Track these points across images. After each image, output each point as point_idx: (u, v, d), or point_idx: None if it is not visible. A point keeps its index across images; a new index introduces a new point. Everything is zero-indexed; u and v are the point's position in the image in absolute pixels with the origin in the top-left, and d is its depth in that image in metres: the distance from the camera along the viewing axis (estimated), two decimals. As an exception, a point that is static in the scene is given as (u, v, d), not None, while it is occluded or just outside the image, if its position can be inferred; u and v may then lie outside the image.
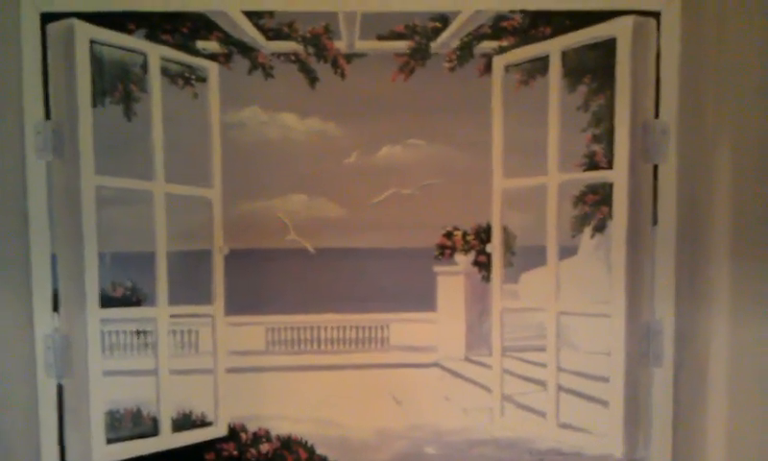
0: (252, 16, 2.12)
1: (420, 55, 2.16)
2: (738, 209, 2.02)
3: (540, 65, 2.14)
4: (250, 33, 2.14)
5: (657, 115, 2.08)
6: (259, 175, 2.16)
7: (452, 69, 2.16)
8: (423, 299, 2.19)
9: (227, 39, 2.15)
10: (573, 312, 2.15)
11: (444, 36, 2.16)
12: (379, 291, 2.17)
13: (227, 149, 2.16)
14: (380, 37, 2.16)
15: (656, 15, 2.07)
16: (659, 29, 2.07)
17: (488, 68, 2.17)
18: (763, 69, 1.98)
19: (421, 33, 2.16)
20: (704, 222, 2.08)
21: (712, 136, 2.05)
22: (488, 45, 2.17)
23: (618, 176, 2.07)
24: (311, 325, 2.26)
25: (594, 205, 2.13)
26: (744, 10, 2.00)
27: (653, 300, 2.11)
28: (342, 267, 2.16)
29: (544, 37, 2.14)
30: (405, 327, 2.24)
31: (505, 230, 2.18)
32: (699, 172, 2.07)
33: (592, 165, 2.13)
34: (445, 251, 2.18)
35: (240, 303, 2.19)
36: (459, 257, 2.19)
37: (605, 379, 2.11)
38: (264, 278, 2.16)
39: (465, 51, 2.16)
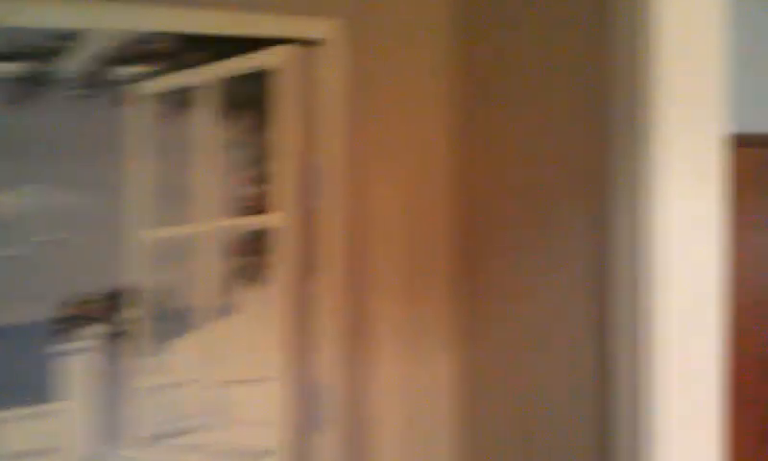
0: None
1: (37, 80, 1.65)
2: (409, 254, 1.96)
3: (190, 96, 1.81)
4: None
5: (320, 154, 1.90)
6: None
7: (80, 98, 1.70)
8: (39, 387, 1.69)
9: None
10: (232, 380, 1.86)
11: (71, 57, 1.69)
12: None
13: None
14: (-18, 58, 1.61)
15: (319, 45, 1.89)
16: (323, 61, 1.89)
17: (125, 98, 1.75)
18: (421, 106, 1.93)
19: (40, 53, 1.65)
20: (371, 267, 1.96)
21: (380, 168, 1.95)
22: (126, 70, 1.76)
23: (280, 221, 1.85)
24: None
25: (253, 254, 1.87)
26: (404, 45, 1.94)
27: (320, 357, 1.92)
28: None
29: (195, 64, 1.81)
30: (19, 427, 1.70)
31: (147, 292, 1.79)
32: (365, 214, 1.95)
33: (250, 210, 1.86)
34: (69, 323, 1.71)
35: None
36: (87, 330, 1.74)
37: (271, 453, 1.86)
38: None
39: (96, 76, 1.72)
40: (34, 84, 1.65)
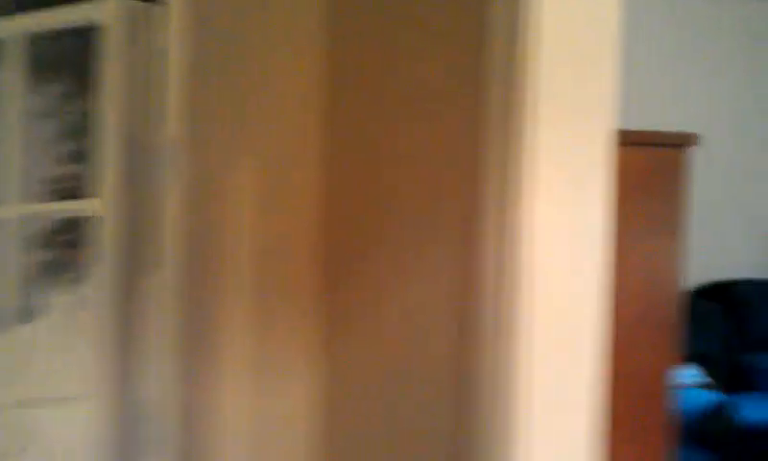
0: None
1: None
2: (263, 257, 1.67)
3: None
4: None
5: (157, 128, 1.61)
6: None
7: None
8: None
9: None
10: (40, 398, 1.57)
11: None
12: None
13: None
14: None
15: (158, 2, 1.60)
16: (162, 20, 1.60)
17: None
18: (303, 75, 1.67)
19: None
20: (221, 264, 1.68)
21: (231, 155, 1.66)
22: None
23: (105, 206, 1.56)
24: None
25: (71, 246, 1.60)
26: (267, 14, 1.65)
27: (151, 370, 1.64)
28: None
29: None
30: None
31: None
32: (214, 199, 1.67)
33: (68, 193, 1.58)
34: None
35: None
36: None
37: (84, 485, 1.58)
38: None
39: None
40: None
